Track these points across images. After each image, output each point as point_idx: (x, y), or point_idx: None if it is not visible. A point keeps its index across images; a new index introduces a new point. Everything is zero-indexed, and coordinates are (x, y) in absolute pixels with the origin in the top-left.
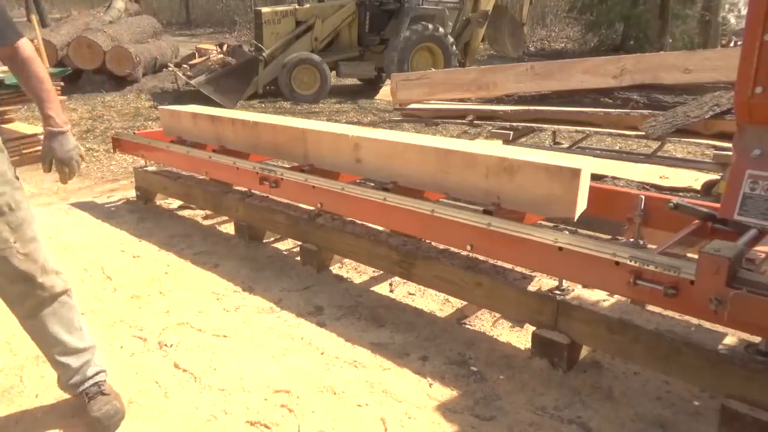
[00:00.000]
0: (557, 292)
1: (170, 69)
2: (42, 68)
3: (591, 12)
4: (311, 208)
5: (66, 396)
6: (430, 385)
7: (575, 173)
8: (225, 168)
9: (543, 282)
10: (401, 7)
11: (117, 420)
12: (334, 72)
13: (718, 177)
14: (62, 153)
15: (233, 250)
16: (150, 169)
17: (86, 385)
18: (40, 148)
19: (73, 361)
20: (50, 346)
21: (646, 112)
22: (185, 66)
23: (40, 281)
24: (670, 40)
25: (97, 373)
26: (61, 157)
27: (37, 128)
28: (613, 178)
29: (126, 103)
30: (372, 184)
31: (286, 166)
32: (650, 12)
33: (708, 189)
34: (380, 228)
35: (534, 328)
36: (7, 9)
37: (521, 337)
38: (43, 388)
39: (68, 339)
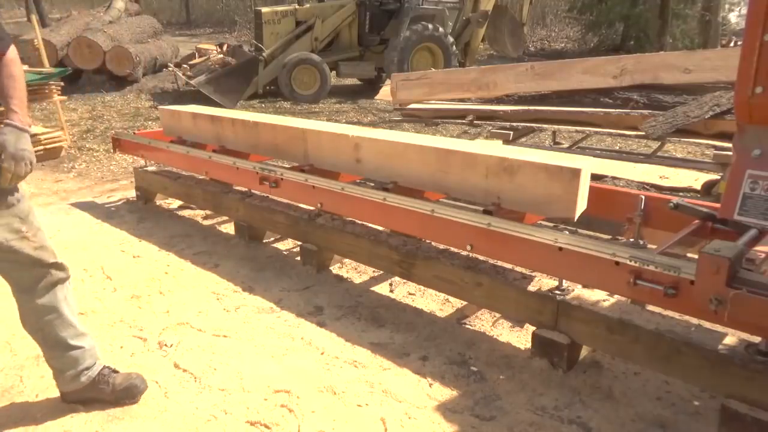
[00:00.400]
0: (557, 292)
1: (170, 69)
2: (20, 69)
3: (591, 12)
4: (311, 208)
5: None
6: (430, 385)
7: (575, 173)
8: (225, 168)
9: (543, 282)
10: (401, 7)
11: (144, 387)
12: (334, 72)
13: (718, 177)
14: (15, 149)
15: (233, 250)
16: (150, 169)
17: (98, 367)
18: (42, 147)
19: (86, 342)
20: (62, 330)
21: (646, 112)
22: (185, 66)
23: (53, 262)
24: (670, 40)
25: (98, 358)
26: (12, 152)
27: (38, 128)
28: (613, 178)
29: (126, 103)
30: (372, 184)
31: (286, 166)
32: (650, 12)
33: (708, 189)
34: (380, 228)
35: (534, 328)
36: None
37: (521, 337)
38: (43, 388)
39: (77, 322)
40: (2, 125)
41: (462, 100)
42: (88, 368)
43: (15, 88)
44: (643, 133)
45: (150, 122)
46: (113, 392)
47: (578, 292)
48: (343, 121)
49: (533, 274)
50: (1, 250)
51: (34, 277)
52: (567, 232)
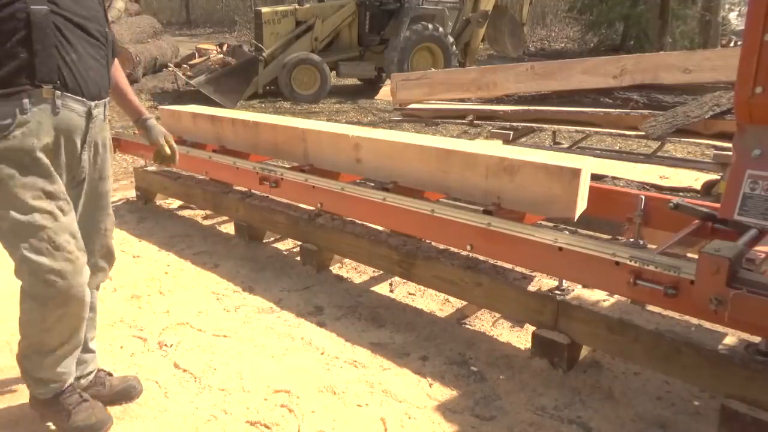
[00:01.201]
0: (557, 292)
1: (170, 69)
2: None
3: (591, 12)
4: (311, 208)
5: None
6: (430, 385)
7: (575, 173)
8: (225, 168)
9: (543, 282)
10: (401, 7)
11: (140, 390)
12: (334, 72)
13: (718, 177)
14: (168, 135)
15: (233, 250)
16: (150, 169)
17: (95, 372)
18: None
19: (95, 347)
20: (89, 331)
21: (646, 112)
22: (185, 66)
23: (113, 261)
24: (670, 40)
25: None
26: (169, 139)
27: None
28: (613, 178)
29: None
30: (372, 184)
31: (286, 166)
32: (650, 12)
33: (708, 189)
34: (380, 228)
35: (534, 328)
36: None
37: (521, 337)
38: None
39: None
40: (146, 121)
41: (462, 100)
42: (90, 372)
43: (130, 86)
44: (643, 133)
45: None
46: (110, 394)
47: (578, 292)
48: (343, 121)
49: (533, 274)
50: (103, 237)
51: (98, 276)
52: (567, 232)
